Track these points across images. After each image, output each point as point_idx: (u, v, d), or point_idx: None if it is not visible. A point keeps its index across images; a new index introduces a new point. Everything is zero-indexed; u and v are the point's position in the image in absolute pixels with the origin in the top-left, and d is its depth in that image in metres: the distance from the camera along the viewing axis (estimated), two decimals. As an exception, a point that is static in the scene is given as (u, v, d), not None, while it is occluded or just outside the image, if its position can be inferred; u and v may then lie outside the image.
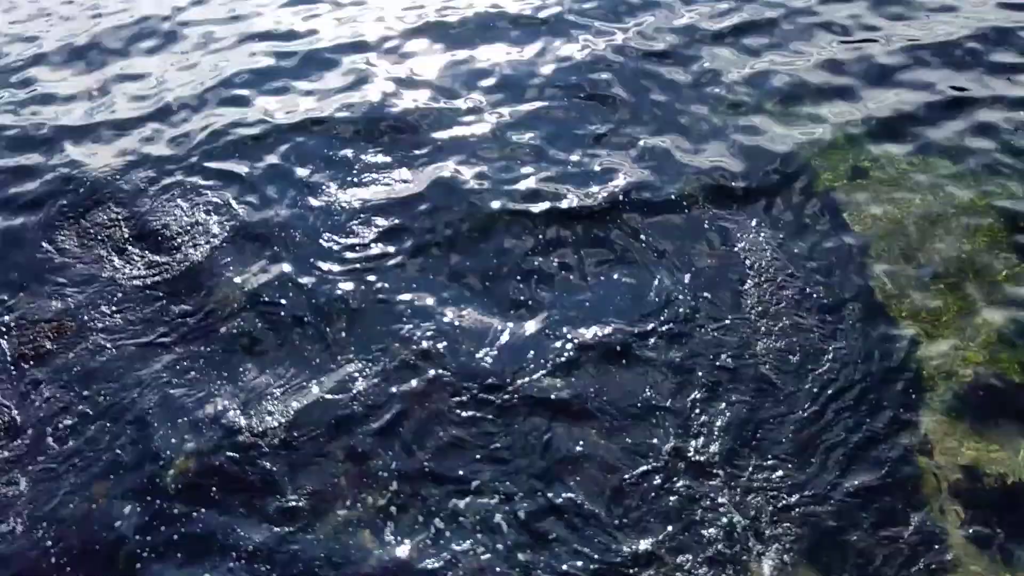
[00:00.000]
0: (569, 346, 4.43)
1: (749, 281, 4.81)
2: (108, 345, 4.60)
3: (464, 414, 4.15)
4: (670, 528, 3.74)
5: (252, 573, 3.60)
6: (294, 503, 3.82)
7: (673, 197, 5.33)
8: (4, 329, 4.75)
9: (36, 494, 3.93)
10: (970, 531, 3.74)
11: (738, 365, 4.37)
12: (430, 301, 4.70)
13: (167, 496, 3.87)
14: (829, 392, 4.23)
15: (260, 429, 4.11)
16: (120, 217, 5.48)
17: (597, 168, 5.58)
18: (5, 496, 3.92)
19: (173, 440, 4.10)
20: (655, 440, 4.05)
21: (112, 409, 4.26)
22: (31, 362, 4.53)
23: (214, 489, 3.89)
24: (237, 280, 4.94)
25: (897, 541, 3.71)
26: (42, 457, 4.06)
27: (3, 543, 3.74)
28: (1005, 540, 3.71)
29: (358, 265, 4.99)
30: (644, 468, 3.94)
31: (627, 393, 4.24)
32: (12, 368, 4.52)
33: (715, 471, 3.94)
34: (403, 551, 3.67)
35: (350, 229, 5.25)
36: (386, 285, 4.83)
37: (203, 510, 3.82)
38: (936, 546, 3.69)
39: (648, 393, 4.24)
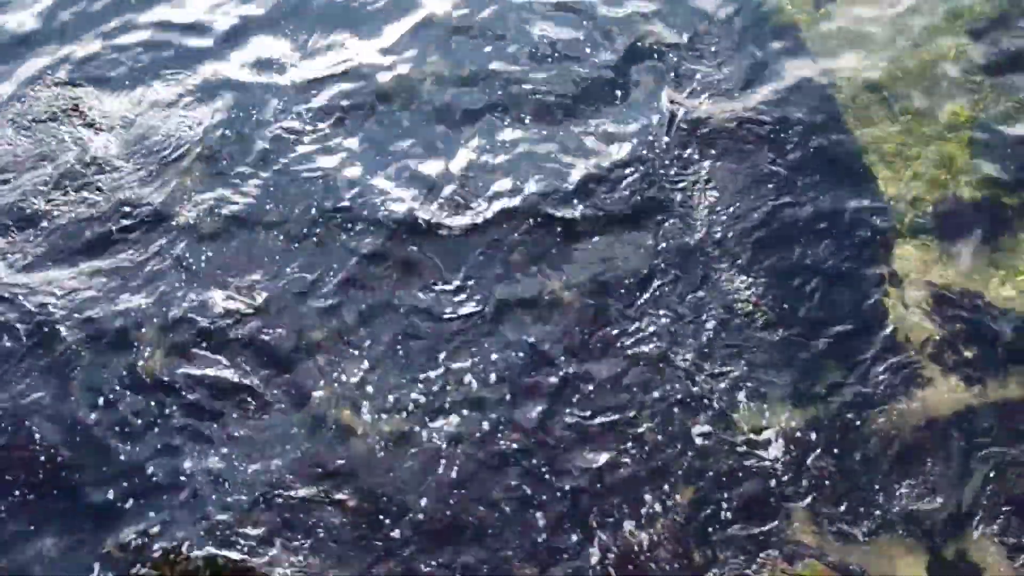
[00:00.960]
0: (537, 206, 4.34)
1: (710, 123, 4.64)
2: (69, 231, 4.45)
3: (427, 293, 4.10)
4: (643, 375, 3.78)
5: (233, 463, 3.64)
6: (270, 390, 3.82)
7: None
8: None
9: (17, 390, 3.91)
10: (940, 354, 3.79)
11: (704, 202, 4.30)
12: (389, 170, 4.55)
13: (142, 386, 3.85)
14: (798, 227, 4.18)
15: (231, 316, 4.05)
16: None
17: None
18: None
19: (144, 330, 4.04)
20: (625, 289, 4.03)
21: (82, 300, 4.18)
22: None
23: (190, 379, 3.87)
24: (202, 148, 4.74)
25: (870, 370, 3.76)
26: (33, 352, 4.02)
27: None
28: (973, 360, 3.76)
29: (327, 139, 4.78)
30: (616, 312, 3.94)
31: (594, 237, 4.20)
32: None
33: (685, 305, 3.95)
34: (383, 425, 3.71)
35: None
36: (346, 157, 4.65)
37: (179, 400, 3.80)
38: (908, 372, 3.75)
39: (617, 238, 4.20)
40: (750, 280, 4.04)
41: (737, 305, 3.97)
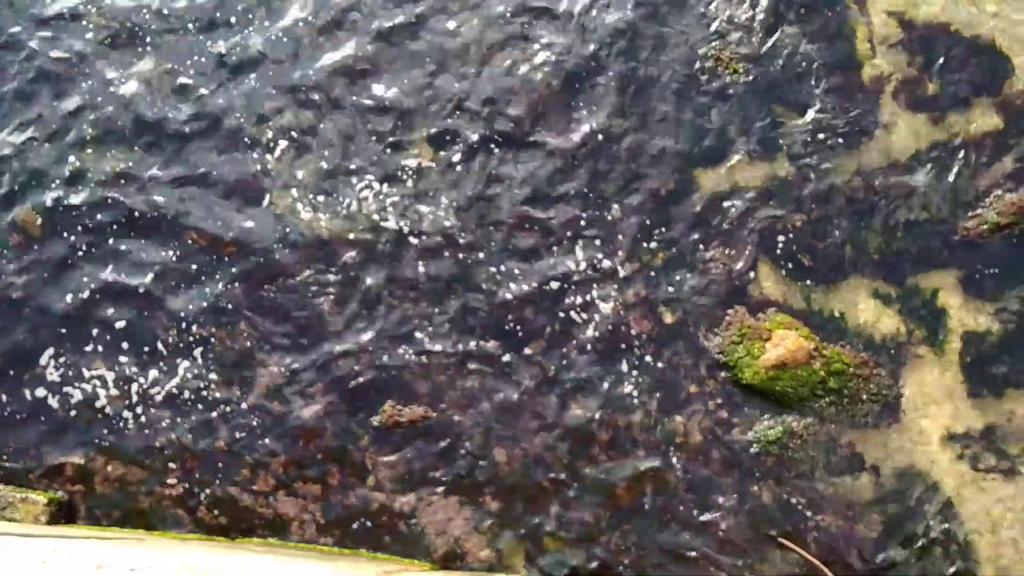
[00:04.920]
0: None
1: None
2: None
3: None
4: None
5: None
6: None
7: None
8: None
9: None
10: (901, 83, 3.62)
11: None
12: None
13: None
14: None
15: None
16: None
17: None
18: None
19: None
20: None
21: None
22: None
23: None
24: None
25: (835, 111, 3.57)
26: None
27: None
28: (932, 84, 3.60)
29: None
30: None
31: None
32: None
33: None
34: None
35: None
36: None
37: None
38: (869, 103, 3.61)
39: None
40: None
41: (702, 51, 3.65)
